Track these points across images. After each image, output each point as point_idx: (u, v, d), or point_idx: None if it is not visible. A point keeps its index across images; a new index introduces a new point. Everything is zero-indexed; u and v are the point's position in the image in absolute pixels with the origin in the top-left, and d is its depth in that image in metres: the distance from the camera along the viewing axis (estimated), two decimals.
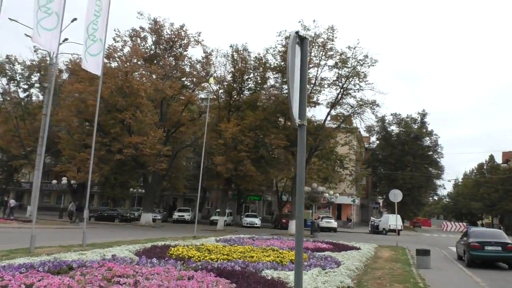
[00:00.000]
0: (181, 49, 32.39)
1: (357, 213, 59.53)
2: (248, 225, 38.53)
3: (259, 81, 33.24)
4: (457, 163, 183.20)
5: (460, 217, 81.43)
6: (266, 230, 33.87)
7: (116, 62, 30.18)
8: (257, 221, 39.68)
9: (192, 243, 13.12)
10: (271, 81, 33.30)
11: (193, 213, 44.68)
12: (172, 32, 32.15)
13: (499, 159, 72.35)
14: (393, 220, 40.09)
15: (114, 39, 30.51)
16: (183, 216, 40.94)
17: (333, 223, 39.56)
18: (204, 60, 32.07)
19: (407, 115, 62.52)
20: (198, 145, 37.29)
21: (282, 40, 30.93)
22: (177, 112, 32.02)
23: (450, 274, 13.23)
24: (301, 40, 3.56)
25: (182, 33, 31.99)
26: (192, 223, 38.71)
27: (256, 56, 32.47)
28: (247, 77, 32.99)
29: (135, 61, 28.77)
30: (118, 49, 30.08)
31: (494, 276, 13.27)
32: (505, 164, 68.09)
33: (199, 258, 9.37)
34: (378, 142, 63.61)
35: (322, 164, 34.42)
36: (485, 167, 68.05)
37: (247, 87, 33.69)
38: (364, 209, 65.78)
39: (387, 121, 58.80)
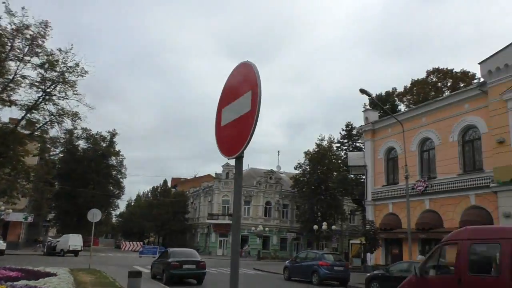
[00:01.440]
0: None
1: (25, 232, 53.13)
2: None
3: None
4: (130, 183, 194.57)
5: (129, 235, 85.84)
6: None
7: None
8: None
9: None
10: None
11: None
12: None
13: (170, 184, 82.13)
14: (74, 241, 38.14)
15: None
16: None
17: (2, 245, 33.86)
18: None
19: (97, 131, 62.40)
20: None
21: None
22: None
23: None
24: None
25: None
26: None
27: None
28: None
29: None
30: None
31: None
32: (174, 189, 77.90)
33: None
34: (62, 155, 60.13)
35: (1, 174, 29.06)
36: (158, 190, 75.30)
37: None
38: (33, 227, 59.34)
39: (75, 134, 56.20)
